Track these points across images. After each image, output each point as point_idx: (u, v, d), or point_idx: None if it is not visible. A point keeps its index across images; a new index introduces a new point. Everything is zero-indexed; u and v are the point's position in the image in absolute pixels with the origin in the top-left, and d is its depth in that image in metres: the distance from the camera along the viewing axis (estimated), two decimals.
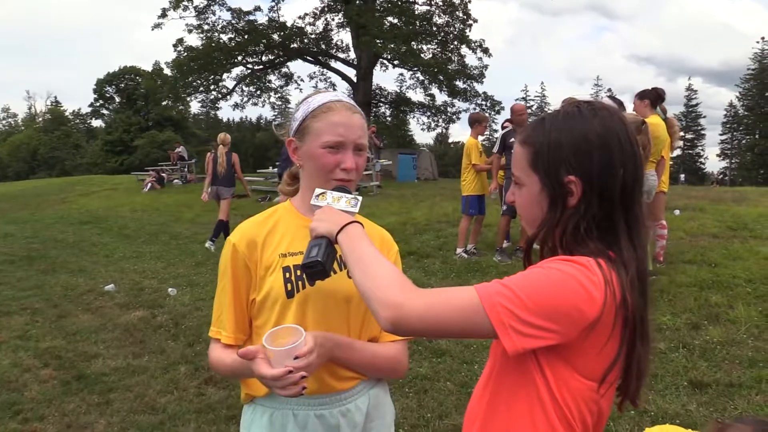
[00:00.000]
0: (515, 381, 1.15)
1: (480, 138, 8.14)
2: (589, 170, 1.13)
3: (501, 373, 1.19)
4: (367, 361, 1.55)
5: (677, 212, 9.37)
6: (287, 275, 1.51)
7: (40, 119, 64.67)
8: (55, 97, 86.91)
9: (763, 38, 57.25)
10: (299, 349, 1.34)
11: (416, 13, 26.96)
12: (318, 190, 1.43)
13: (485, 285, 1.08)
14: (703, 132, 62.81)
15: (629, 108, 6.60)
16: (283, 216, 1.61)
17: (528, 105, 63.77)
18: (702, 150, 62.91)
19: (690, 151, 61.61)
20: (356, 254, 1.21)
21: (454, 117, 29.63)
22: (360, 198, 1.42)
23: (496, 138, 8.35)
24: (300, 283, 1.50)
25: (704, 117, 63.73)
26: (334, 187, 1.45)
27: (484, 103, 28.18)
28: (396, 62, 27.69)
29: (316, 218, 1.35)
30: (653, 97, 6.41)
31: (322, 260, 1.29)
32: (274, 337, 1.37)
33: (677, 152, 56.88)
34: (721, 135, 60.74)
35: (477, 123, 8.06)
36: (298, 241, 1.54)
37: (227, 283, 1.55)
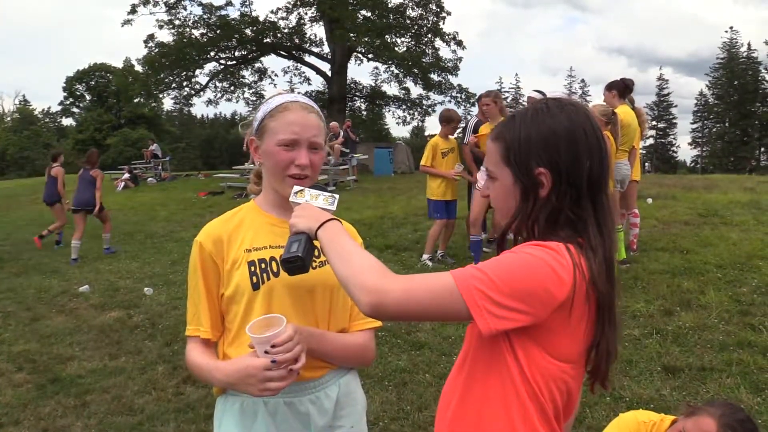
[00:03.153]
0: (488, 362, 1.20)
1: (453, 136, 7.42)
2: (557, 162, 1.19)
3: (475, 354, 1.24)
4: (339, 350, 1.61)
5: (650, 200, 9.53)
6: (252, 269, 1.57)
7: (9, 119, 63.19)
8: (24, 96, 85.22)
9: (731, 28, 58.36)
10: (277, 338, 1.40)
11: (390, 6, 26.91)
12: (296, 188, 1.48)
13: (461, 270, 1.14)
14: (674, 121, 63.56)
15: (598, 99, 6.68)
16: (248, 214, 1.68)
17: (503, 97, 63.97)
18: (674, 139, 63.76)
19: (662, 140, 62.45)
20: (336, 247, 1.26)
21: (430, 110, 29.72)
22: (337, 196, 1.47)
23: (465, 128, 8.04)
24: (264, 275, 1.57)
25: (675, 106, 64.53)
26: (311, 185, 1.50)
27: (459, 95, 28.28)
28: (370, 56, 27.63)
29: (296, 214, 1.40)
30: (620, 88, 6.50)
31: (302, 255, 1.34)
32: (256, 326, 1.43)
33: (650, 141, 57.71)
34: (692, 124, 61.52)
35: (445, 123, 7.24)
36: (263, 236, 1.62)
37: (199, 281, 1.61)
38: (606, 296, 1.16)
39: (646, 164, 42.17)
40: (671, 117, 63.05)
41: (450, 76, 28.34)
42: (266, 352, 1.40)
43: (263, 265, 1.57)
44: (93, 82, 54.91)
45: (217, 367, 1.54)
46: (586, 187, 1.19)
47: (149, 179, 21.79)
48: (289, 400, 1.56)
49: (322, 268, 1.58)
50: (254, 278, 1.56)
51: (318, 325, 1.60)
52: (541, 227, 1.20)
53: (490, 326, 1.09)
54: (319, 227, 1.33)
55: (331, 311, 1.63)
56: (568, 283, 1.11)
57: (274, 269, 1.57)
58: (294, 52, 28.80)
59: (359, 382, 1.75)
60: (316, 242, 1.36)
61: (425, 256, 7.22)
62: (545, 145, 1.19)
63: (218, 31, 26.32)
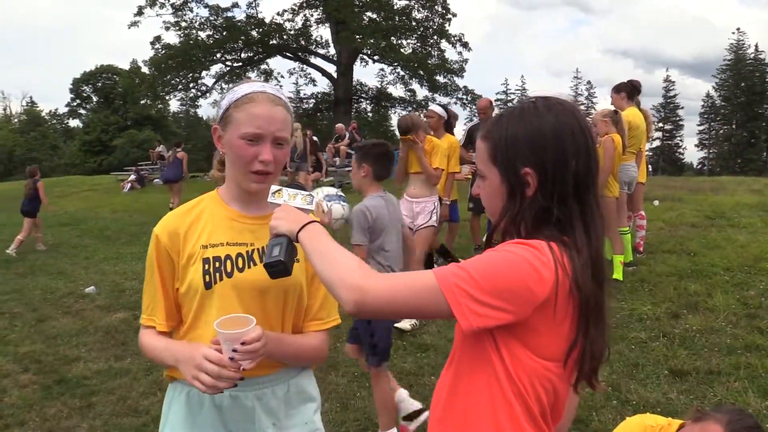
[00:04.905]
0: (474, 360, 1.21)
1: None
2: (543, 162, 1.19)
3: (462, 354, 1.25)
4: (294, 353, 1.62)
5: (656, 203, 9.48)
6: (206, 267, 1.54)
7: (16, 120, 63.51)
8: (31, 98, 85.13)
9: (738, 29, 58.03)
10: (247, 335, 1.40)
11: (395, 7, 27.00)
12: (274, 187, 1.47)
13: (443, 268, 1.14)
14: (681, 123, 63.31)
15: (604, 101, 6.65)
16: (208, 206, 1.64)
17: (509, 98, 64.01)
18: (680, 140, 63.49)
19: (669, 142, 62.22)
20: (319, 248, 1.27)
21: None
22: (314, 195, 1.48)
23: (463, 131, 7.97)
24: (217, 275, 1.54)
25: (682, 108, 64.05)
26: (288, 184, 1.49)
27: (464, 97, 28.29)
28: (376, 57, 27.72)
29: (276, 217, 1.39)
30: (629, 90, 6.46)
31: (284, 260, 1.34)
32: (225, 323, 1.42)
33: (656, 143, 57.47)
34: (698, 125, 61.29)
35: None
36: (221, 231, 1.59)
37: (154, 274, 1.60)
38: (590, 296, 1.16)
39: (648, 167, 41.97)
40: (678, 119, 62.84)
41: (456, 78, 28.39)
42: (234, 350, 1.39)
43: (217, 264, 1.54)
44: (100, 84, 55.06)
45: (168, 347, 1.56)
46: (572, 187, 1.19)
47: (155, 180, 21.84)
48: (235, 393, 1.56)
49: None
50: (207, 277, 1.53)
51: (271, 325, 1.58)
52: (528, 226, 1.20)
53: (472, 324, 1.09)
54: (300, 230, 1.33)
55: (284, 312, 1.61)
56: (549, 281, 1.11)
57: (228, 269, 1.55)
58: (300, 54, 28.91)
59: (314, 381, 1.75)
60: (297, 244, 1.37)
61: None
62: (532, 145, 1.19)
63: (224, 33, 26.46)
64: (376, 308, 1.14)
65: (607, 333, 1.22)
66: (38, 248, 10.04)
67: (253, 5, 27.35)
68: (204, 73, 28.30)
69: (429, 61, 27.69)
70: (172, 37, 27.01)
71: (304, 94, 34.50)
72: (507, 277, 1.10)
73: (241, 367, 1.41)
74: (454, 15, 27.95)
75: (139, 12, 25.59)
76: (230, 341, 1.39)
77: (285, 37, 27.83)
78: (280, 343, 1.56)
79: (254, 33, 26.98)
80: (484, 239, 7.68)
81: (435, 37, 28.31)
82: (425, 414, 3.40)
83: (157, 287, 1.60)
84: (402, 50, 27.31)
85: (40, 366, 4.72)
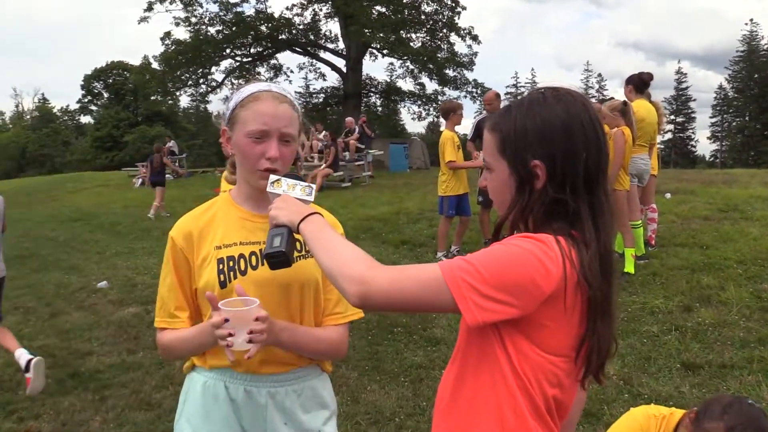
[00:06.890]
0: (479, 354, 1.20)
1: (458, 128, 7.22)
2: (552, 155, 1.17)
3: (467, 348, 1.24)
4: (311, 344, 1.61)
5: (668, 196, 9.40)
6: (220, 266, 1.56)
7: (28, 117, 64.08)
8: (43, 94, 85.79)
9: (751, 20, 57.29)
10: (252, 314, 1.41)
11: (404, 1, 26.83)
12: (273, 177, 1.46)
13: (449, 261, 1.13)
14: (693, 115, 62.61)
15: (615, 93, 6.60)
16: (221, 207, 1.66)
17: (519, 92, 63.62)
18: (693, 133, 62.82)
19: (681, 135, 61.62)
20: (321, 240, 1.26)
21: None
22: (313, 186, 1.47)
23: (472, 125, 7.96)
24: (231, 273, 1.56)
25: (694, 100, 63.29)
26: (285, 174, 1.49)
27: (474, 90, 28.14)
28: (385, 51, 27.60)
29: (276, 207, 1.39)
30: (636, 82, 6.40)
31: (285, 250, 1.33)
32: (229, 304, 1.44)
33: (668, 135, 56.95)
34: (711, 118, 60.60)
35: (452, 113, 7.04)
36: (233, 232, 1.60)
37: (170, 273, 1.62)
38: (598, 290, 1.14)
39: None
40: (690, 111, 62.17)
41: (465, 71, 28.23)
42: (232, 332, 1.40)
43: (231, 263, 1.56)
44: (111, 80, 55.31)
45: (185, 337, 1.58)
46: (582, 180, 1.17)
47: (166, 176, 21.91)
48: (249, 388, 1.58)
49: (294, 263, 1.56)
50: (222, 276, 1.55)
51: (292, 319, 1.59)
52: (536, 220, 1.19)
53: (477, 318, 1.08)
54: (301, 221, 1.32)
55: (302, 307, 1.61)
56: (556, 275, 1.10)
57: (242, 268, 1.56)
58: (309, 49, 28.86)
59: (330, 387, 1.75)
60: (297, 235, 1.36)
61: (440, 253, 7.18)
62: (541, 137, 1.17)
63: (234, 28, 26.43)
64: (379, 301, 1.13)
65: (615, 327, 1.21)
66: (163, 215, 12.40)
67: (262, 0, 27.37)
68: (214, 68, 28.29)
69: (438, 55, 27.51)
70: (182, 33, 27.13)
71: (314, 89, 34.48)
72: (513, 271, 1.08)
73: (249, 351, 1.42)
74: (464, 8, 27.75)
75: (149, 8, 25.61)
76: (241, 320, 1.40)
77: (294, 31, 27.78)
78: (293, 332, 1.56)
79: (263, 28, 26.92)
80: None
81: (444, 31, 28.12)
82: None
83: (175, 288, 1.61)
84: (411, 44, 27.18)
85: (54, 360, 4.77)
